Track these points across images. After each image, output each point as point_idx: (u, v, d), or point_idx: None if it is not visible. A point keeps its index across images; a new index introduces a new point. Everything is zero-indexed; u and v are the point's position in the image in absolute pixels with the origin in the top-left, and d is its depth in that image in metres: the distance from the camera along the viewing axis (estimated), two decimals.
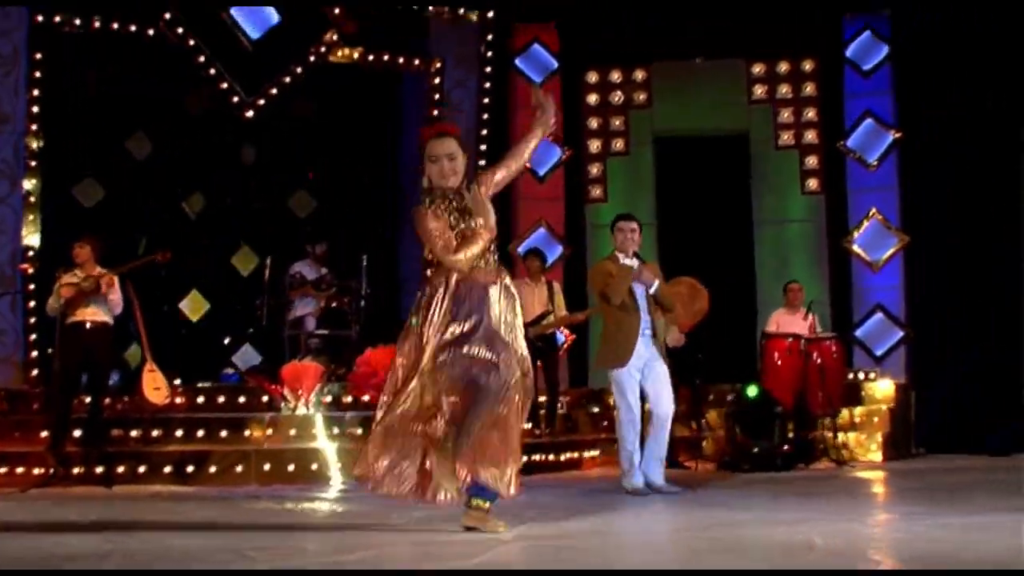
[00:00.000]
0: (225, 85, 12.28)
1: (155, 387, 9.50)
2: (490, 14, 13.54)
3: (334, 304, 11.30)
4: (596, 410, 12.10)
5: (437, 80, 13.36)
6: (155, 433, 9.56)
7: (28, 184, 11.81)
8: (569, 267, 13.47)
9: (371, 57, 13.05)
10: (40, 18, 11.85)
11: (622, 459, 7.85)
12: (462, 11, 13.45)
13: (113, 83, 12.70)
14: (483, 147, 13.45)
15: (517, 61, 13.81)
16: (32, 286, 11.44)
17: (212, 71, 12.21)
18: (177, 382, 10.14)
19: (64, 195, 12.62)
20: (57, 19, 11.93)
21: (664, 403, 7.83)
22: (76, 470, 8.82)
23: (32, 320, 11.40)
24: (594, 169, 14.04)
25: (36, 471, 8.85)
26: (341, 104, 13.91)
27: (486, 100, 13.53)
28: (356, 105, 13.88)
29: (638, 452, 7.84)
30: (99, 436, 9.09)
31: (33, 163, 11.83)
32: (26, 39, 11.82)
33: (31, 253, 11.71)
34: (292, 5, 12.52)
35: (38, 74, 11.84)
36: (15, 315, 11.49)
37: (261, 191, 13.93)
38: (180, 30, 12.14)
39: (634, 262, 7.81)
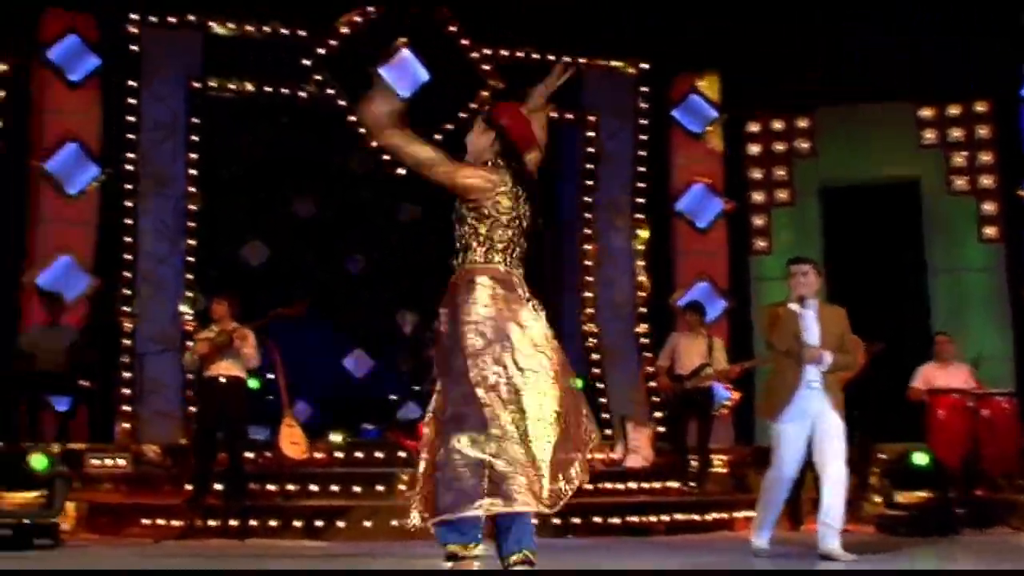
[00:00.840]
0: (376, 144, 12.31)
1: (293, 442, 9.66)
2: (645, 65, 13.41)
3: None
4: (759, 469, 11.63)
5: (591, 133, 13.26)
6: (290, 487, 9.63)
7: (188, 245, 12.00)
8: (734, 321, 13.18)
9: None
10: (196, 85, 12.09)
11: (756, 514, 7.65)
12: (617, 63, 13.33)
13: (271, 145, 12.96)
14: (639, 200, 13.30)
15: (674, 112, 13.68)
16: (190, 343, 11.60)
17: (363, 130, 12.28)
18: (338, 438, 10.17)
19: (230, 254, 12.82)
20: (212, 85, 12.15)
21: (830, 462, 7.29)
22: (212, 523, 8.89)
23: (190, 376, 11.52)
24: (758, 220, 13.78)
25: (175, 523, 8.86)
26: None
27: (641, 152, 13.38)
28: None
29: (773, 512, 7.55)
30: (238, 490, 9.22)
31: (192, 224, 12.02)
32: (184, 105, 12.08)
33: (190, 311, 11.85)
34: (443, 63, 12.59)
35: (195, 138, 12.07)
36: (176, 371, 11.61)
37: (421, 247, 14.04)
38: (331, 91, 12.27)
39: (808, 308, 7.42)
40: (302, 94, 12.35)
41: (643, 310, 13.22)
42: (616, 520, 9.52)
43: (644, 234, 13.35)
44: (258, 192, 13.10)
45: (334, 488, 9.57)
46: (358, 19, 12.48)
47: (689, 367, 10.49)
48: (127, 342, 11.67)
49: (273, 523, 8.96)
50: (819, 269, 7.57)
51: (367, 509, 9.11)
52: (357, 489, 9.57)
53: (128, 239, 11.86)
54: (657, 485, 10.46)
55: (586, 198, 13.30)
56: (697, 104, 13.72)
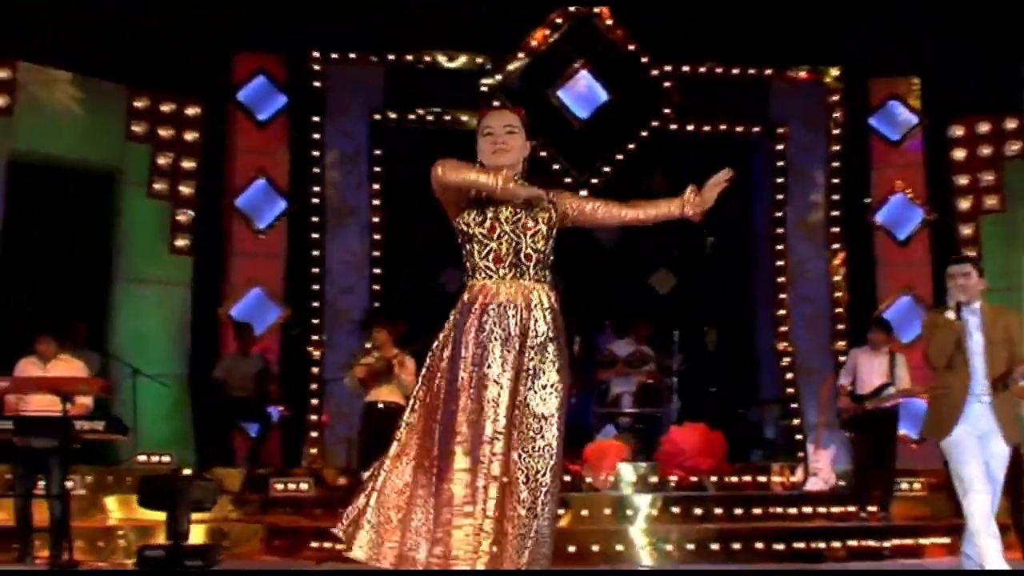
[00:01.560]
0: (557, 166, 12.47)
1: None
2: (835, 72, 13.06)
3: (650, 381, 11.09)
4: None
5: (780, 147, 12.99)
6: None
7: (373, 273, 12.42)
8: None
9: (706, 128, 12.86)
10: (377, 116, 12.51)
11: (969, 536, 6.75)
12: (806, 73, 13.03)
13: None
14: (834, 213, 12.93)
15: (872, 120, 13.22)
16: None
17: (544, 153, 12.42)
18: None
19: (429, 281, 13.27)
20: (392, 116, 12.55)
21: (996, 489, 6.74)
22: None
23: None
24: (966, 229, 13.13)
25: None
26: (692, 177, 13.81)
27: (835, 164, 13.00)
28: (704, 177, 13.72)
29: (992, 525, 6.63)
30: None
31: (376, 253, 12.41)
32: (367, 138, 12.51)
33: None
34: (623, 83, 12.61)
35: (378, 169, 12.48)
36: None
37: (621, 270, 14.10)
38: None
39: (969, 314, 6.83)
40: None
41: (841, 327, 12.80)
42: (780, 546, 9.21)
43: (839, 249, 12.93)
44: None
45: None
46: (537, 42, 12.63)
47: (869, 386, 10.08)
48: (315, 370, 12.12)
49: None
50: (981, 269, 7.00)
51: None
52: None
53: (315, 270, 12.33)
54: (836, 510, 10.05)
55: (777, 213, 13.01)
56: (896, 110, 13.24)
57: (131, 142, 12.16)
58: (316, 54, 12.50)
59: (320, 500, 10.58)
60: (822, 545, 9.25)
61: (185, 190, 12.39)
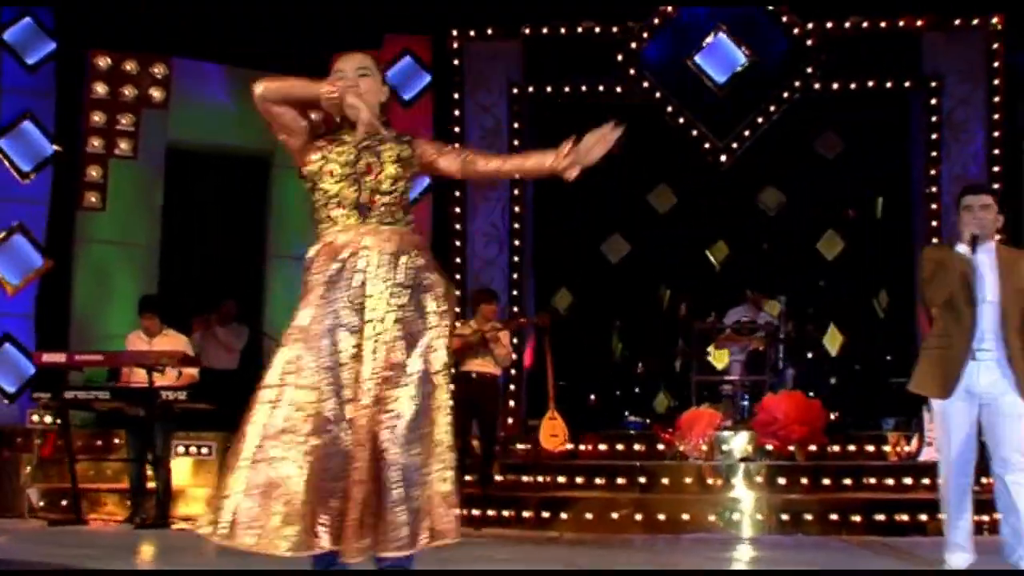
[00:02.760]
0: (696, 133, 12.53)
1: (552, 434, 10.10)
2: (995, 19, 12.55)
3: (759, 349, 11.06)
4: None
5: (934, 100, 12.61)
6: (541, 479, 10.09)
7: (514, 246, 12.85)
8: None
9: (853, 86, 12.62)
10: (515, 91, 12.89)
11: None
12: (958, 21, 12.58)
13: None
14: (995, 168, 12.45)
15: None
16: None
17: (682, 120, 12.51)
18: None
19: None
20: (531, 89, 12.90)
21: (1006, 454, 6.04)
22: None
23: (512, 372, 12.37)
24: None
25: None
26: (859, 135, 13.69)
27: (996, 116, 12.52)
28: (869, 133, 13.56)
29: (962, 517, 6.14)
30: (485, 479, 9.94)
31: (516, 225, 12.83)
32: (506, 111, 12.90)
33: (515, 308, 12.74)
34: (763, 43, 12.53)
35: (517, 143, 12.85)
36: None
37: (788, 235, 14.08)
38: (646, 84, 12.58)
39: (982, 252, 6.05)
40: (618, 88, 12.74)
41: None
42: (881, 517, 9.18)
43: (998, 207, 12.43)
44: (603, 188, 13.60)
45: (579, 480, 9.95)
46: (672, 7, 12.69)
47: None
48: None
49: (506, 513, 9.53)
50: (999, 203, 6.26)
51: (620, 500, 9.48)
52: (611, 481, 9.89)
53: (458, 243, 12.84)
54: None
55: (932, 171, 12.65)
56: None
57: None
58: (455, 32, 12.94)
59: None
60: (922, 518, 9.07)
61: None
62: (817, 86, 12.67)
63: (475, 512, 9.63)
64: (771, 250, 14.27)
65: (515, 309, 12.76)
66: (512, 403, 12.39)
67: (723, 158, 12.64)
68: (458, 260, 12.90)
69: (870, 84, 12.70)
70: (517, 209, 12.94)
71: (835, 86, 12.68)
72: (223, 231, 12.98)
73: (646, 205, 14.27)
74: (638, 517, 9.28)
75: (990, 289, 6.06)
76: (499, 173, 4.72)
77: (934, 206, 12.67)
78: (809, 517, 9.10)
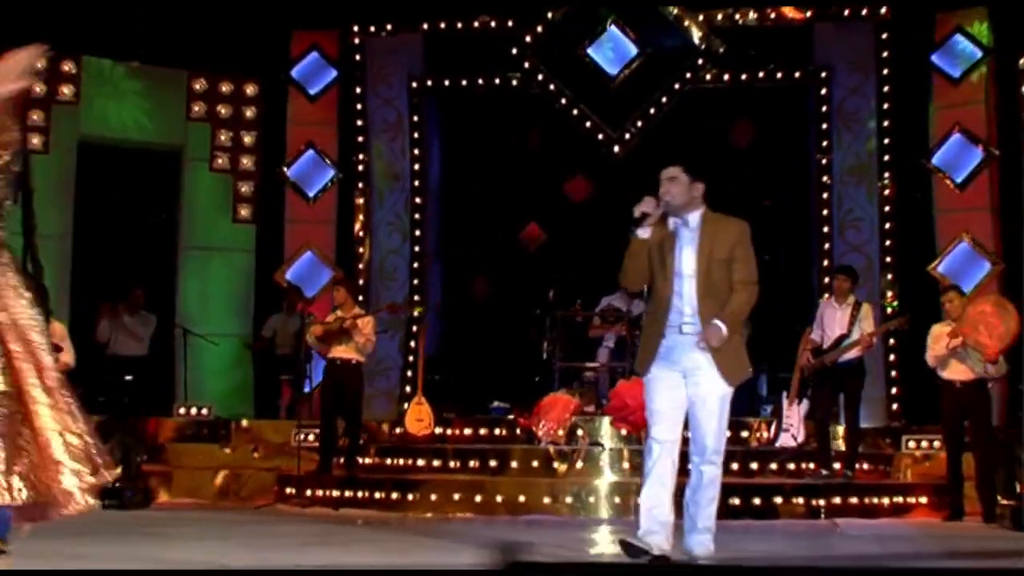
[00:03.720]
0: (589, 124, 12.94)
1: (418, 419, 10.56)
2: (883, 9, 12.85)
3: (623, 335, 11.52)
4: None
5: (824, 91, 12.93)
6: (401, 462, 10.57)
7: (415, 236, 13.36)
8: (1005, 285, 12.14)
9: (743, 77, 13.00)
10: (415, 84, 13.39)
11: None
12: (847, 11, 12.89)
13: (499, 134, 13.89)
14: (887, 157, 12.74)
15: (933, 56, 12.93)
16: (415, 328, 13.01)
17: (575, 112, 12.93)
18: None
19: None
20: (429, 83, 13.40)
21: (701, 438, 5.97)
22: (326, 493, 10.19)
23: (410, 358, 12.84)
24: None
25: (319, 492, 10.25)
26: (771, 125, 14.02)
27: (886, 105, 12.82)
28: (780, 123, 13.85)
29: (653, 491, 5.89)
30: (350, 463, 10.54)
31: (417, 216, 13.32)
32: (407, 104, 13.39)
33: (416, 297, 13.29)
34: (654, 36, 12.92)
35: (417, 135, 13.35)
36: (399, 353, 13.04)
37: None
38: (540, 77, 13.00)
39: (683, 225, 6.02)
40: (513, 82, 13.19)
41: (890, 277, 12.66)
42: (736, 501, 9.51)
43: (890, 196, 12.77)
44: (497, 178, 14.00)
45: (435, 463, 10.40)
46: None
47: (830, 339, 10.17)
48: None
49: (361, 494, 10.02)
50: (699, 174, 6.11)
51: (445, 483, 9.97)
52: (452, 464, 10.37)
53: (362, 234, 13.37)
54: (792, 467, 10.29)
55: (824, 161, 12.97)
56: (959, 45, 12.89)
57: (192, 122, 13.55)
58: (356, 28, 13.46)
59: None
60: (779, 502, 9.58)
61: (246, 163, 13.71)
62: (708, 77, 13.07)
63: (336, 493, 10.19)
64: None
65: (415, 298, 13.29)
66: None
67: (616, 149, 13.07)
68: (361, 250, 13.44)
69: (760, 75, 13.07)
70: (418, 200, 13.45)
71: (726, 77, 13.08)
72: (135, 223, 13.57)
73: (561, 194, 14.61)
74: (479, 499, 9.74)
75: (687, 262, 6.01)
76: None
77: (825, 195, 13.00)
78: None
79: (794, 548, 7.35)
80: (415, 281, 13.37)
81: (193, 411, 12.49)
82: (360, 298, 12.93)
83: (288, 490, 10.66)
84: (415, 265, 13.41)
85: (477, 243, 14.17)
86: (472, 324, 13.73)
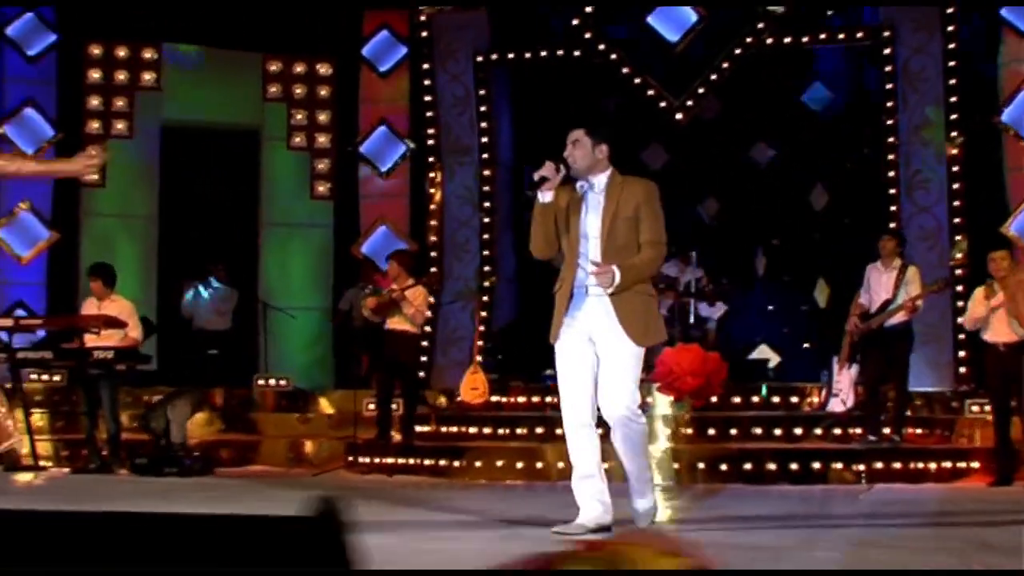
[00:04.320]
0: (652, 92, 13.11)
1: (472, 387, 10.88)
2: None
3: (678, 303, 11.75)
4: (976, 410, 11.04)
5: (887, 50, 12.87)
6: (455, 430, 10.98)
7: (485, 207, 13.74)
8: None
9: (805, 39, 13.04)
10: (480, 59, 13.71)
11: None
12: None
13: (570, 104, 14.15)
14: (953, 116, 12.66)
15: (1003, 11, 12.74)
16: (485, 298, 13.49)
17: (638, 80, 13.11)
18: None
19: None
20: (494, 57, 13.71)
21: (608, 400, 5.90)
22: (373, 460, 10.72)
23: (482, 328, 13.26)
24: None
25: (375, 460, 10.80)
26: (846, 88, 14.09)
27: (952, 63, 12.71)
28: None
29: (579, 466, 5.94)
30: (406, 431, 10.95)
31: (487, 188, 13.68)
32: (473, 79, 13.74)
33: (487, 268, 13.73)
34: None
35: (484, 109, 13.69)
36: (470, 324, 13.46)
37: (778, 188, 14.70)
38: (602, 47, 13.20)
39: (589, 188, 5.99)
40: (576, 53, 13.41)
41: (959, 239, 12.59)
42: (772, 467, 9.77)
43: (958, 155, 12.69)
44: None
45: (486, 431, 10.78)
46: None
47: (876, 303, 10.23)
48: (431, 299, 13.59)
49: (414, 461, 10.48)
50: (603, 136, 6.03)
51: (498, 450, 10.36)
52: (502, 431, 10.76)
53: (433, 207, 13.79)
54: (839, 432, 10.39)
55: (889, 122, 12.93)
56: None
57: (268, 102, 14.12)
58: (422, 6, 13.84)
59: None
60: (815, 466, 9.76)
61: (322, 141, 14.23)
62: (770, 41, 13.10)
63: (390, 460, 10.68)
64: (761, 203, 14.72)
65: (486, 269, 13.67)
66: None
67: (679, 116, 13.23)
68: (433, 223, 13.87)
69: (822, 36, 13.08)
70: (487, 172, 13.80)
71: (787, 40, 13.10)
72: (217, 202, 14.22)
73: (640, 163, 14.88)
74: (526, 465, 10.12)
75: (591, 224, 5.99)
76: (19, 174, 5.90)
77: (891, 156, 12.96)
78: (724, 467, 9.80)
79: (774, 511, 7.58)
80: (485, 252, 13.78)
81: (272, 382, 13.15)
82: (433, 270, 13.48)
83: (351, 458, 11.19)
84: (485, 236, 13.81)
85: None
86: (545, 293, 14.03)
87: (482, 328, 13.42)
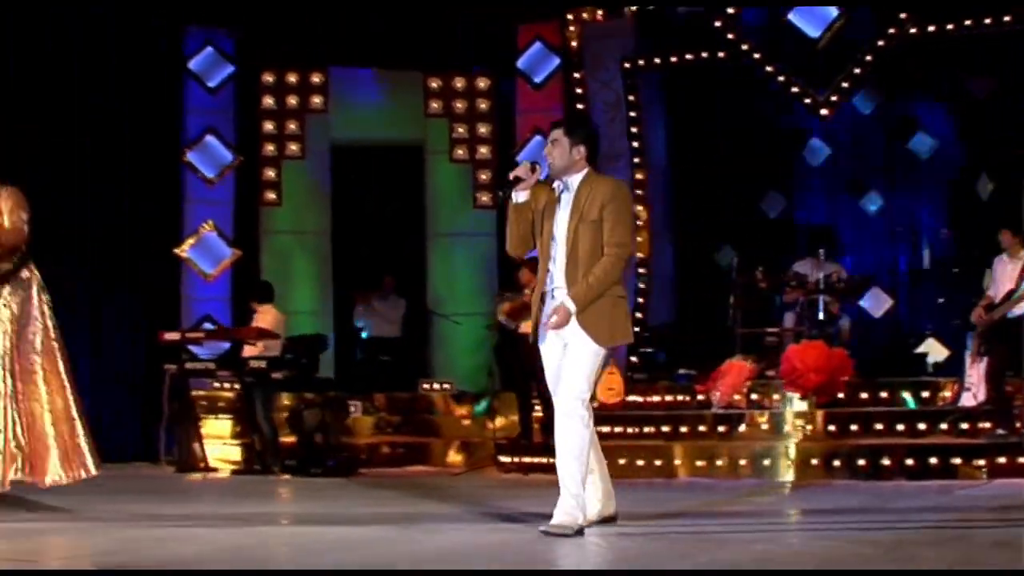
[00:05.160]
0: (796, 89, 13.30)
1: (609, 388, 11.30)
2: None
3: (801, 298, 11.87)
4: None
5: None
6: (603, 429, 11.31)
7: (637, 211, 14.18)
8: None
9: (950, 27, 13.01)
10: (627, 65, 14.18)
11: None
12: None
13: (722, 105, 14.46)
14: None
15: None
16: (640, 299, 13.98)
17: (781, 79, 13.32)
18: None
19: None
20: (641, 63, 14.17)
21: (559, 386, 6.05)
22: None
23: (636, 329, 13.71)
24: None
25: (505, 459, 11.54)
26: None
27: None
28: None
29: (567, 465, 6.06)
30: (545, 431, 11.47)
31: (639, 192, 14.12)
32: (622, 85, 14.23)
33: (642, 270, 14.23)
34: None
35: (634, 114, 14.15)
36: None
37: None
38: (744, 47, 13.47)
39: (566, 189, 6.10)
40: (720, 55, 13.72)
41: None
42: (887, 462, 9.92)
43: None
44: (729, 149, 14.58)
45: (618, 429, 11.22)
46: None
47: (1001, 294, 10.22)
48: None
49: (547, 460, 10.92)
50: (580, 136, 6.13)
51: (628, 448, 10.81)
52: (632, 430, 11.21)
53: None
54: (967, 427, 10.38)
55: None
56: None
57: (430, 118, 14.96)
58: (570, 16, 14.40)
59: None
60: (955, 462, 9.75)
61: (483, 152, 15.00)
62: (914, 31, 13.06)
63: (528, 459, 11.32)
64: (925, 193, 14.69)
65: (641, 271, 14.12)
66: None
67: (823, 112, 13.35)
68: None
69: (967, 23, 12.95)
70: (639, 176, 14.25)
71: (931, 28, 13.03)
72: (385, 215, 15.13)
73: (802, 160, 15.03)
74: (657, 463, 10.59)
75: (560, 226, 6.08)
76: None
77: None
78: (837, 464, 10.02)
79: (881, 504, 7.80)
80: (640, 254, 14.20)
81: (436, 386, 13.97)
82: None
83: (499, 457, 11.87)
84: (639, 239, 14.22)
85: (716, 214, 14.84)
86: (710, 293, 14.30)
87: (636, 329, 13.90)
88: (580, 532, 5.81)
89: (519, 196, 6.14)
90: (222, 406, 13.27)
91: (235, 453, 12.62)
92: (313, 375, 12.03)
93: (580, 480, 5.95)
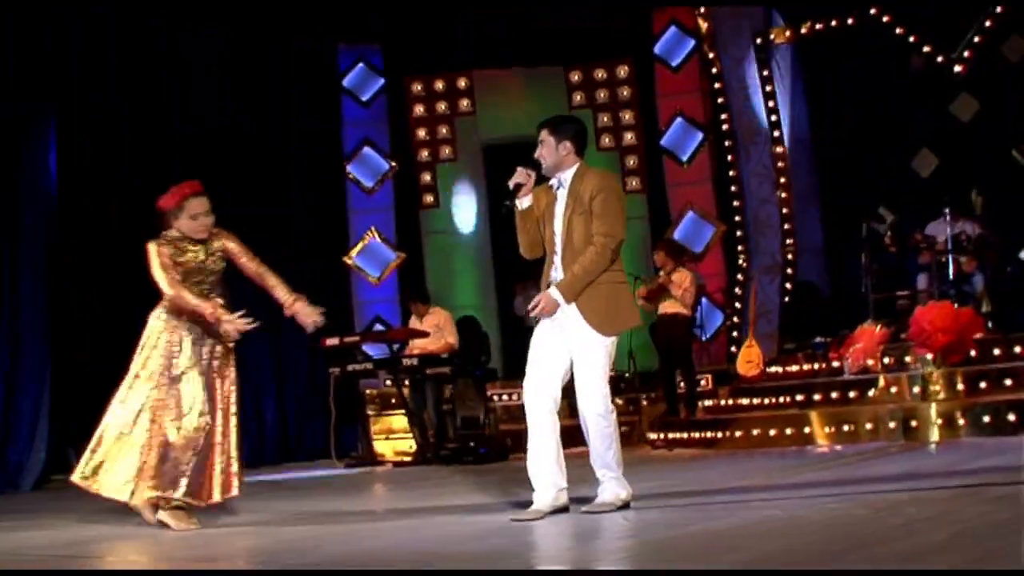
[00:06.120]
0: (928, 49, 13.46)
1: (748, 360, 11.83)
2: None
3: (926, 261, 12.06)
4: None
5: None
6: (731, 402, 12.07)
7: (781, 183, 14.61)
8: None
9: None
10: (759, 40, 14.67)
11: None
12: None
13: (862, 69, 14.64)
14: None
15: None
16: (789, 270, 14.49)
17: (913, 39, 13.51)
18: None
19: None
20: (772, 37, 14.61)
21: (581, 397, 6.24)
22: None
23: (786, 299, 14.17)
24: None
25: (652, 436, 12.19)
26: None
27: None
28: None
29: (540, 450, 6.26)
30: (689, 407, 12.16)
31: (780, 164, 14.61)
32: (755, 61, 14.63)
33: (789, 241, 14.73)
34: None
35: (768, 88, 14.54)
36: (779, 297, 14.39)
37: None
38: (873, 11, 13.69)
39: (559, 185, 6.42)
40: (850, 21, 13.99)
41: None
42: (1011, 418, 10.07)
43: None
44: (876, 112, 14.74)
45: (755, 401, 11.76)
46: None
47: None
48: (740, 277, 14.61)
49: (692, 435, 11.70)
50: (565, 133, 6.49)
51: (762, 419, 11.30)
52: (769, 400, 11.74)
53: (734, 188, 14.81)
54: None
55: None
56: None
57: (574, 109, 15.62)
58: None
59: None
60: None
61: (629, 139, 15.60)
62: None
63: (672, 435, 11.98)
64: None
65: (788, 242, 14.48)
66: None
67: (957, 68, 13.46)
68: (736, 203, 14.90)
69: None
70: (779, 149, 14.61)
71: None
72: None
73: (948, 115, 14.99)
74: (773, 432, 11.10)
75: (557, 219, 6.37)
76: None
77: None
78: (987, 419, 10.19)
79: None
80: (786, 226, 14.62)
81: None
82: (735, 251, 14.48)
83: (650, 435, 12.58)
84: (784, 211, 14.63)
85: (865, 177, 14.98)
86: (848, 263, 14.51)
87: (787, 300, 14.32)
88: (626, 506, 6.29)
89: (523, 202, 6.50)
90: (392, 402, 14.25)
91: (403, 446, 13.61)
92: (477, 367, 12.96)
93: (618, 461, 6.30)
